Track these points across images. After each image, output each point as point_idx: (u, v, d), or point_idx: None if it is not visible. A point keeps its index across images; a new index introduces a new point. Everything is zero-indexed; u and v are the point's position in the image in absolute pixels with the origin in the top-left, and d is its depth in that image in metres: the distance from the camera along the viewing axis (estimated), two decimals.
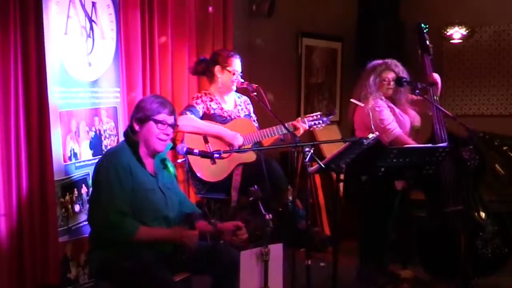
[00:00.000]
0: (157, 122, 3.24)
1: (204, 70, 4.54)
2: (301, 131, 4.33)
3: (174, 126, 3.33)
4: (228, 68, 4.42)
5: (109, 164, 3.17)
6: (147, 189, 3.23)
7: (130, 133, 3.30)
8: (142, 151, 3.28)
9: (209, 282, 3.37)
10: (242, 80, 4.38)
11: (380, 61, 4.58)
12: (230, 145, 4.28)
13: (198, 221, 3.30)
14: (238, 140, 4.29)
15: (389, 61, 4.57)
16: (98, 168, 3.24)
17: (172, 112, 3.30)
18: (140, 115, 3.26)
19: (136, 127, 3.26)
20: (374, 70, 4.54)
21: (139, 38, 4.58)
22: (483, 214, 4.45)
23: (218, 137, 4.26)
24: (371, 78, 4.52)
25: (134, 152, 3.26)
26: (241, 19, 5.82)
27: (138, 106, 3.31)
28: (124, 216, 3.09)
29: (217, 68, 4.44)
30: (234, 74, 4.42)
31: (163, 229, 3.23)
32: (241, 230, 3.34)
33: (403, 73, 4.54)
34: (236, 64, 4.46)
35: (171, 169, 3.48)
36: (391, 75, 4.52)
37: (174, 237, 3.19)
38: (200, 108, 4.36)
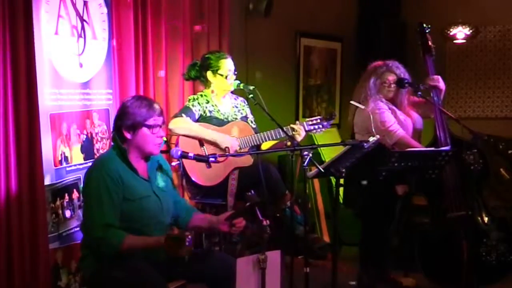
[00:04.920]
0: (150, 127, 3.24)
1: (197, 76, 4.55)
2: (302, 133, 4.32)
3: (164, 124, 3.35)
4: (220, 72, 4.42)
5: (98, 175, 3.17)
6: (141, 196, 3.23)
7: (118, 139, 3.29)
8: (133, 156, 3.27)
9: None
10: (238, 81, 4.39)
11: (380, 63, 4.60)
12: (225, 148, 4.29)
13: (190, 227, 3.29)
14: (234, 146, 4.30)
15: (390, 62, 4.59)
16: (88, 178, 3.23)
17: (160, 113, 3.30)
18: (130, 123, 3.22)
19: (128, 135, 3.23)
20: (374, 72, 4.56)
21: (132, 38, 4.60)
22: (487, 220, 4.47)
23: (213, 143, 4.28)
24: (371, 80, 4.54)
25: (123, 159, 3.27)
26: (238, 18, 5.84)
27: (124, 112, 3.26)
28: (108, 229, 3.09)
29: (209, 73, 4.45)
30: (227, 76, 4.43)
31: (150, 239, 3.20)
32: (238, 219, 3.31)
33: (405, 75, 4.56)
34: (228, 64, 4.46)
35: (166, 169, 3.49)
36: (392, 77, 4.53)
37: (162, 245, 3.18)
38: (196, 111, 4.37)
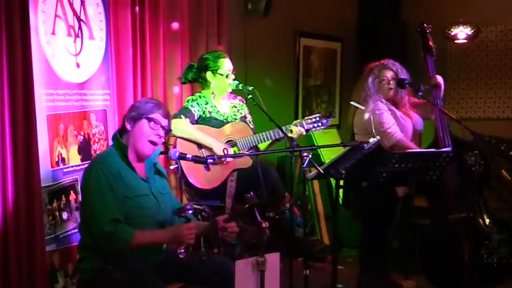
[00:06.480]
0: (150, 120, 3.27)
1: (195, 78, 4.55)
2: (297, 134, 4.32)
3: (167, 130, 3.36)
4: (220, 72, 4.42)
5: (99, 171, 3.19)
6: (139, 195, 3.26)
7: (119, 136, 3.33)
8: (131, 155, 3.31)
9: None
10: (237, 82, 4.39)
11: (376, 63, 4.62)
12: (224, 149, 4.29)
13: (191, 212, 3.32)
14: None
15: (385, 61, 4.61)
16: (88, 175, 3.25)
17: (166, 115, 3.34)
18: (133, 114, 3.31)
19: (128, 126, 3.30)
20: (371, 72, 4.57)
21: (130, 38, 4.59)
22: (488, 222, 4.48)
23: (210, 148, 4.28)
24: (369, 80, 4.54)
25: (123, 156, 3.28)
26: (236, 18, 5.84)
27: (132, 106, 3.40)
28: (118, 224, 3.12)
29: (208, 74, 4.45)
30: (227, 76, 4.43)
31: (159, 231, 3.26)
32: (231, 224, 3.34)
33: (401, 72, 4.56)
34: (227, 64, 4.46)
35: (163, 173, 3.50)
36: (389, 74, 4.54)
37: (171, 236, 3.22)
38: (196, 111, 4.37)
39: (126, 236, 3.12)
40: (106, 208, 3.13)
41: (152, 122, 3.28)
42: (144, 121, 3.28)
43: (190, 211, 3.25)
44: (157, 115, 3.29)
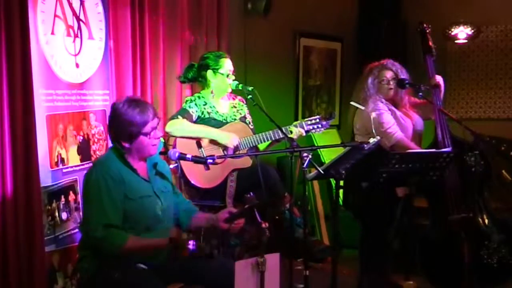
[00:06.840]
0: (147, 134, 3.24)
1: (195, 77, 4.55)
2: (297, 135, 4.33)
3: (159, 122, 3.34)
4: (220, 71, 4.42)
5: (99, 175, 3.18)
6: (142, 196, 3.25)
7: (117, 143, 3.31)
8: (131, 157, 3.30)
9: None
10: (237, 82, 4.39)
11: (376, 63, 4.62)
12: (224, 149, 4.29)
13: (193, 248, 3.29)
14: (233, 141, 4.29)
15: (385, 61, 4.60)
16: (88, 179, 3.25)
17: (154, 114, 3.29)
18: (126, 133, 3.21)
19: (126, 145, 3.24)
20: (371, 72, 4.57)
21: (129, 38, 4.60)
22: (488, 222, 4.48)
23: (213, 141, 4.28)
24: (369, 80, 4.54)
25: (123, 160, 3.27)
26: (236, 18, 5.85)
27: (119, 122, 3.22)
28: (111, 229, 3.11)
29: (209, 73, 4.45)
30: (228, 76, 4.43)
31: (153, 240, 3.24)
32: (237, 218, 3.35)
33: (401, 72, 4.56)
34: (228, 64, 4.47)
35: (165, 171, 3.49)
36: (389, 74, 4.54)
37: (164, 246, 3.22)
38: (193, 112, 4.37)
39: (118, 241, 3.11)
40: (100, 213, 3.12)
41: (150, 134, 3.26)
42: (142, 138, 3.23)
43: (192, 247, 3.22)
44: (150, 125, 3.24)
